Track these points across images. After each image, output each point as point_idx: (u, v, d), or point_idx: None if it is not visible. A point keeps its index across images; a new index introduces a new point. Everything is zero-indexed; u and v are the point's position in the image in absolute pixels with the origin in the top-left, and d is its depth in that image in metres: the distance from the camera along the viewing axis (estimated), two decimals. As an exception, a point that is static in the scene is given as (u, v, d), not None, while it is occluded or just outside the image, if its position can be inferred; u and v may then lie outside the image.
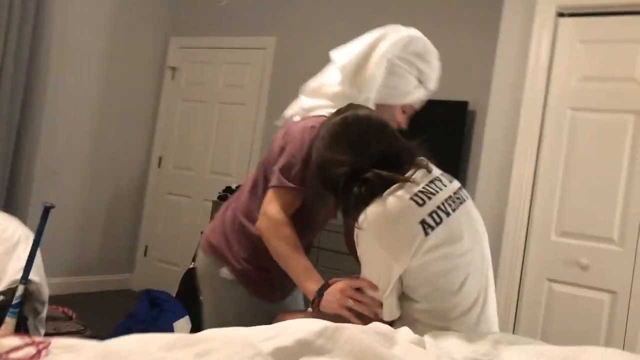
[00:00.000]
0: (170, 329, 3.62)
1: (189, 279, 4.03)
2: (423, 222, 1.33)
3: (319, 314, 1.40)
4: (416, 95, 1.75)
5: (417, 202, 1.35)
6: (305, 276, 1.50)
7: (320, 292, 1.44)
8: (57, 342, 0.89)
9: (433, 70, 1.74)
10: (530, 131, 2.87)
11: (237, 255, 1.72)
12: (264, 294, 1.73)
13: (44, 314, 2.80)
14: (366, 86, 1.64)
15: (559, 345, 1.27)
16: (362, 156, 1.42)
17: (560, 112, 2.84)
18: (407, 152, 1.46)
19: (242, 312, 1.70)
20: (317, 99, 1.72)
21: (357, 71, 1.65)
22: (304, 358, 0.99)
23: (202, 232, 4.28)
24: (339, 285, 1.42)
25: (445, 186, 1.43)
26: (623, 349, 2.64)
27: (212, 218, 4.20)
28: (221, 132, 4.74)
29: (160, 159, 5.08)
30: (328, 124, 1.51)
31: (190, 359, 0.89)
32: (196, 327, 3.67)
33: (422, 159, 1.47)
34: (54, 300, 3.68)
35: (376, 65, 1.63)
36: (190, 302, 3.83)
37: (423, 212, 1.34)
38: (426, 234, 1.32)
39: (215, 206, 4.15)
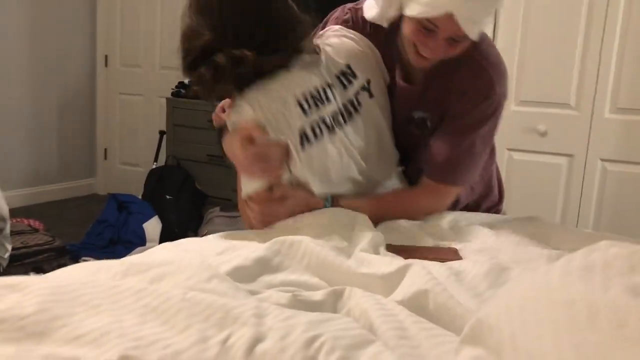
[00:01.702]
0: (140, 231, 3.64)
1: (154, 178, 4.00)
2: (302, 133, 1.23)
3: None
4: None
5: (303, 108, 1.23)
6: None
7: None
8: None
9: None
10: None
11: None
12: None
13: (7, 229, 2.76)
14: None
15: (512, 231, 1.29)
16: (224, 29, 1.17)
17: (517, -24, 2.73)
18: (295, 30, 1.22)
19: None
20: None
21: None
22: (264, 276, 0.98)
23: (160, 131, 4.26)
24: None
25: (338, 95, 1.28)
26: (579, 209, 2.75)
27: (167, 115, 4.11)
28: (166, 23, 4.48)
29: (106, 57, 4.83)
30: None
31: (145, 285, 0.86)
32: (166, 225, 3.69)
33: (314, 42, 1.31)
34: (17, 213, 3.63)
35: None
36: (157, 202, 3.82)
37: (305, 121, 1.23)
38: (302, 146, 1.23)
39: (170, 103, 4.02)
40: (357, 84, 1.31)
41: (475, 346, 0.66)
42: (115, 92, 4.87)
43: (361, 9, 1.39)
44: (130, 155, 4.84)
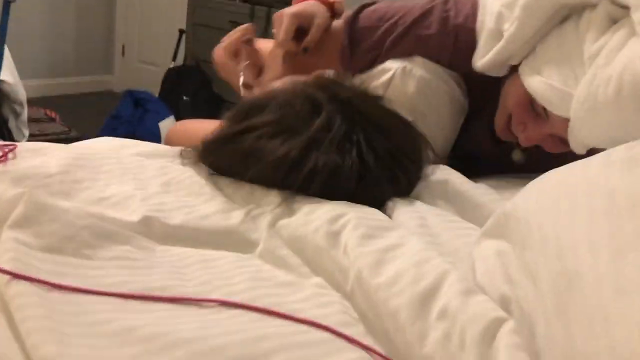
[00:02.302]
0: (156, 129, 3.63)
1: (171, 78, 3.95)
2: None
3: None
4: None
5: None
6: None
7: None
8: (24, 145, 0.85)
9: None
10: None
11: None
12: None
13: (24, 115, 2.76)
14: None
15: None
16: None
17: None
18: None
19: None
20: None
21: None
22: None
23: (180, 30, 4.16)
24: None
25: None
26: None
27: (188, 14, 4.00)
28: None
29: (128, -51, 4.66)
30: None
31: (169, 164, 0.86)
32: (181, 127, 3.68)
33: None
34: (33, 102, 3.61)
35: None
36: (173, 102, 3.80)
37: None
38: None
39: (192, 1, 3.91)
40: None
41: (499, 239, 0.65)
42: (135, -13, 4.73)
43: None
44: (148, 53, 4.76)
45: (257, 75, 1.16)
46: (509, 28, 0.92)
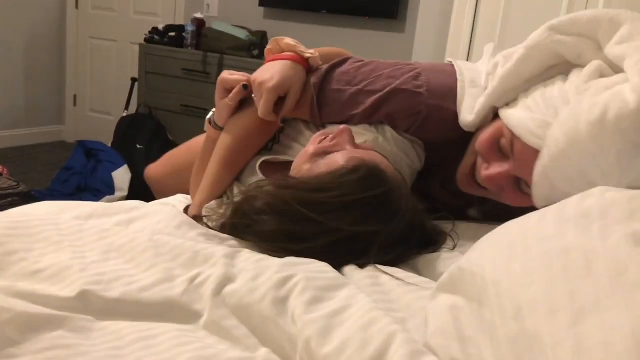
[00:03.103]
0: (109, 179, 3.55)
1: (125, 127, 3.89)
2: None
3: None
4: None
5: None
6: None
7: None
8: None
9: None
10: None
11: None
12: None
13: (-31, 173, 2.67)
14: None
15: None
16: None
17: None
18: None
19: None
20: None
21: None
22: None
23: (132, 78, 4.13)
24: None
25: None
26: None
27: (140, 62, 3.98)
28: (141, -34, 4.30)
29: (77, -1, 4.63)
30: None
31: (110, 226, 0.83)
32: (136, 176, 3.62)
33: None
34: (-19, 157, 3.51)
35: None
36: (127, 151, 3.73)
37: None
38: None
39: (143, 49, 3.89)
40: None
41: (454, 294, 0.64)
42: (86, 37, 4.68)
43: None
44: (100, 103, 4.70)
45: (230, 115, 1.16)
46: (503, 68, 0.95)
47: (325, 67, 1.12)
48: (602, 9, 0.91)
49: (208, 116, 1.21)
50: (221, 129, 1.16)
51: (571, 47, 0.89)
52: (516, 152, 0.90)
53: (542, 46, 0.92)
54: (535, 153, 0.85)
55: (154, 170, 1.50)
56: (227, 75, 1.16)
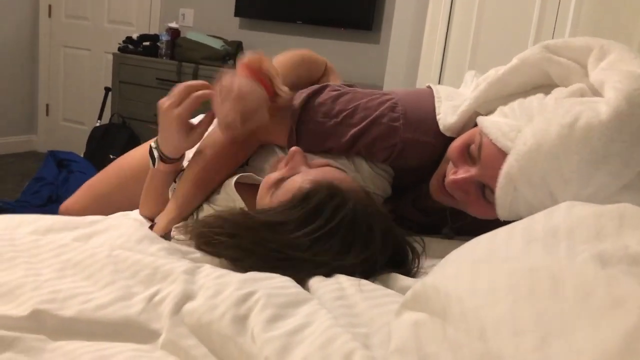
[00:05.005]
0: (82, 190, 3.49)
1: (98, 136, 3.84)
2: None
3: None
4: None
5: None
6: None
7: None
8: None
9: None
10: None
11: None
12: None
13: None
14: None
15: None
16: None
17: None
18: None
19: None
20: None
21: None
22: None
23: (105, 88, 4.08)
24: None
25: None
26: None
27: (114, 72, 3.94)
28: (115, -26, 4.27)
29: (49, 7, 4.56)
30: None
31: (68, 241, 0.80)
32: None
33: None
34: (-52, 167, 3.43)
35: None
36: (100, 161, 3.68)
37: None
38: None
39: (117, 59, 3.85)
40: None
41: (418, 311, 0.63)
42: (59, 45, 4.62)
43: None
44: (73, 112, 4.63)
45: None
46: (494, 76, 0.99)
47: (303, 96, 1.09)
48: (596, 38, 0.93)
49: (152, 151, 1.14)
50: (171, 160, 1.11)
51: (561, 68, 0.92)
52: (483, 156, 0.91)
53: (534, 62, 0.95)
54: (502, 159, 0.87)
55: (72, 205, 1.42)
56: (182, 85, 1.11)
